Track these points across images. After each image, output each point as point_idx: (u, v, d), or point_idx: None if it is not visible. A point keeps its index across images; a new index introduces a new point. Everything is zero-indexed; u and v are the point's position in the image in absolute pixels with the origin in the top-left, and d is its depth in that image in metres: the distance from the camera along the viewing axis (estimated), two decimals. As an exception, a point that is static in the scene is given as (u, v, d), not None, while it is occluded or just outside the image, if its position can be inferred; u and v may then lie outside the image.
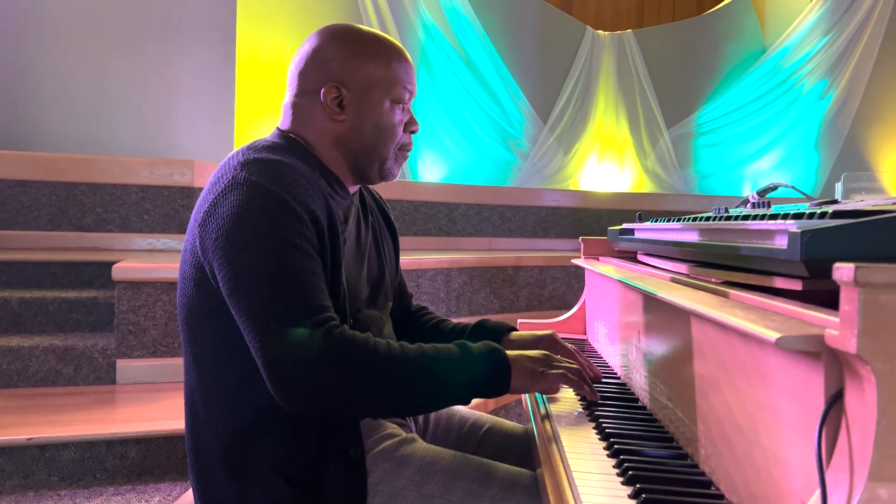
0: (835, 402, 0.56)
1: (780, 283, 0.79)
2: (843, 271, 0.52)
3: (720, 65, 6.52)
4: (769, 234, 0.82)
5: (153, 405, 2.43)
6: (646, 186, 6.24)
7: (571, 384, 1.14)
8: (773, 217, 0.88)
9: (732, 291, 0.85)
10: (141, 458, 2.17)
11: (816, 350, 0.57)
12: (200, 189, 3.77)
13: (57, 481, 2.09)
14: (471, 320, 1.43)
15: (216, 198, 1.04)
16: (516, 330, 1.38)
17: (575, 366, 1.16)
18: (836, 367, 0.57)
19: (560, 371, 1.12)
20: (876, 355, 0.51)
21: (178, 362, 2.70)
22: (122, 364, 2.67)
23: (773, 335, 0.58)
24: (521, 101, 5.78)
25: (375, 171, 1.21)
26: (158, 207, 3.82)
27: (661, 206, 5.71)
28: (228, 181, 1.05)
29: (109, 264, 2.77)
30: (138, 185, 3.78)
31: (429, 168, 5.40)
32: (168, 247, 3.82)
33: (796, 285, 0.76)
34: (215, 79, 4.37)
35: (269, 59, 4.82)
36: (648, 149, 6.27)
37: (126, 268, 2.70)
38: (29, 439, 2.06)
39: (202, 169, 3.91)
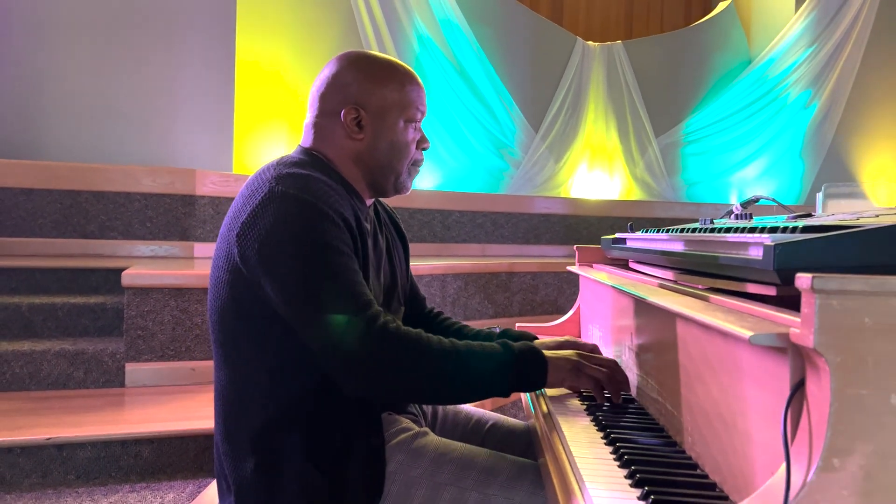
0: (798, 389, 0.67)
1: (755, 289, 0.90)
2: (802, 280, 0.63)
3: (707, 75, 6.67)
4: (746, 245, 0.93)
5: (163, 407, 2.51)
6: (635, 194, 6.36)
7: (598, 389, 1.25)
8: (751, 230, 0.99)
9: (712, 296, 0.96)
10: (154, 456, 2.25)
11: (783, 346, 0.68)
12: (202, 197, 3.90)
13: (74, 479, 2.18)
14: (476, 326, 1.54)
15: (254, 210, 1.13)
16: (538, 339, 1.50)
17: (605, 370, 1.26)
18: (799, 359, 0.68)
19: (591, 374, 1.24)
20: (829, 349, 0.62)
21: (185, 365, 2.80)
22: (130, 368, 2.75)
23: (747, 333, 0.69)
24: (513, 111, 5.90)
25: (391, 185, 1.32)
26: (161, 215, 3.90)
27: (650, 213, 5.83)
28: (265, 194, 1.14)
29: (116, 271, 2.86)
30: (141, 193, 3.87)
31: (423, 176, 5.49)
32: (170, 253, 3.90)
33: (770, 291, 0.87)
34: (215, 89, 4.46)
35: (269, 68, 4.91)
36: (637, 157, 6.39)
37: (135, 274, 2.79)
38: (47, 439, 2.15)
39: (203, 177, 3.99)
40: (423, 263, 3.84)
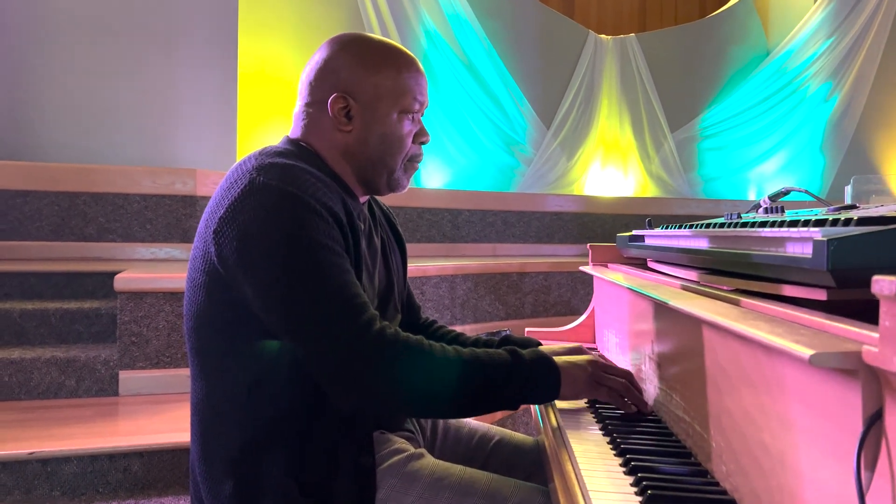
0: (873, 423, 0.53)
1: (800, 292, 0.76)
2: (883, 284, 0.49)
3: (724, 68, 6.52)
4: (785, 241, 0.79)
5: (156, 417, 2.40)
6: (650, 191, 6.24)
7: (619, 401, 1.14)
8: (793, 224, 0.84)
9: (744, 300, 0.83)
10: (144, 471, 2.13)
11: (853, 367, 0.54)
12: (203, 198, 3.79)
13: (59, 496, 2.06)
14: (478, 328, 1.41)
15: (232, 203, 1.02)
16: (541, 344, 1.39)
17: (622, 380, 1.15)
18: (875, 385, 0.53)
19: (611, 385, 1.13)
20: (918, 373, 0.48)
21: (182, 373, 2.68)
22: (124, 375, 2.64)
23: (805, 352, 0.55)
24: (524, 106, 5.79)
25: (384, 182, 1.19)
26: (161, 217, 3.80)
27: (666, 210, 5.70)
28: (245, 186, 1.03)
29: (111, 274, 2.74)
30: (140, 195, 3.77)
31: (432, 174, 5.40)
32: (171, 256, 3.80)
33: (820, 295, 0.73)
34: (217, 88, 4.36)
35: (272, 69, 4.81)
36: (652, 153, 6.26)
37: (128, 278, 2.68)
38: (30, 454, 2.03)
39: (205, 178, 3.89)
40: (432, 264, 3.72)
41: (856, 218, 0.76)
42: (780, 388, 0.67)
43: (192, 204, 3.84)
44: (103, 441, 2.13)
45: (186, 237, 3.83)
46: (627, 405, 1.14)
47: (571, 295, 4.31)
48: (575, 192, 5.93)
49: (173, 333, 2.69)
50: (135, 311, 2.66)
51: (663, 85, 6.31)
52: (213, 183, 3.89)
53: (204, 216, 1.09)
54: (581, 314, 1.88)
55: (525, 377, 1.05)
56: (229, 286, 1.03)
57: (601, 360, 1.26)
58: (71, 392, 2.59)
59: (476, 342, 1.36)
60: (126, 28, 4.12)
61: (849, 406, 0.55)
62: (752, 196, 6.40)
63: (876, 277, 0.50)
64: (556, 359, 1.11)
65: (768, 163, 6.44)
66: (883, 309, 0.50)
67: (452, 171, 5.53)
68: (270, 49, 4.79)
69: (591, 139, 6.11)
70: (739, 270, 0.96)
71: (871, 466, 0.53)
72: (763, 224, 0.95)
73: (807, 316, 0.69)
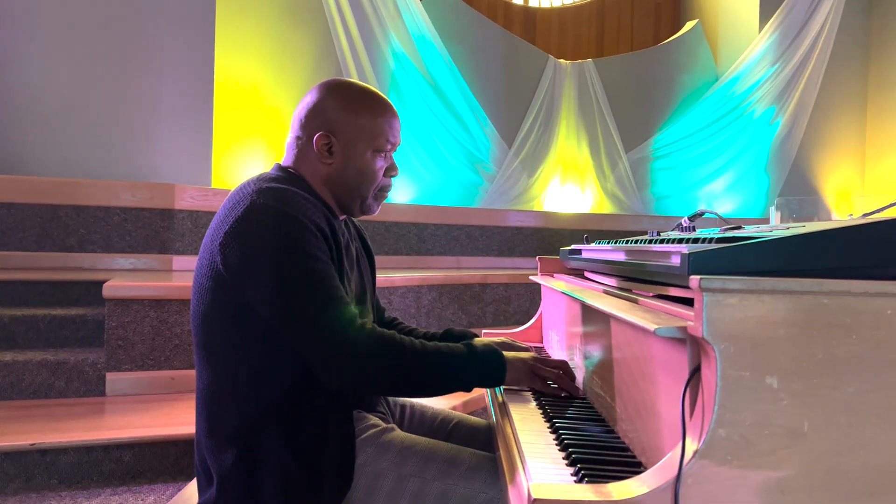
0: (694, 374, 0.80)
1: (677, 292, 1.03)
2: (693, 280, 0.76)
3: (675, 92, 6.87)
4: (668, 255, 1.06)
5: (143, 414, 2.59)
6: (606, 207, 6.52)
7: (551, 389, 1.39)
8: (677, 241, 1.12)
9: (641, 299, 1.09)
10: (135, 461, 2.34)
11: (682, 336, 0.81)
12: (180, 211, 3.98)
13: (57, 483, 2.26)
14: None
15: (237, 220, 1.24)
16: (479, 337, 1.63)
17: (557, 370, 1.40)
18: (696, 348, 0.81)
19: (545, 375, 1.39)
20: (716, 339, 0.75)
21: (164, 375, 2.88)
22: (111, 377, 2.83)
23: (652, 326, 0.82)
24: (487, 126, 6.04)
25: (357, 207, 1.44)
26: (140, 229, 3.98)
27: (620, 226, 5.99)
28: (247, 206, 1.24)
29: (96, 283, 2.93)
30: (120, 208, 3.95)
31: (399, 190, 5.61)
32: (149, 266, 3.98)
33: (690, 294, 1.01)
34: (194, 104, 4.56)
35: (247, 86, 5.00)
36: (608, 171, 6.55)
37: (116, 286, 2.87)
38: (32, 444, 2.22)
39: (182, 192, 4.08)
40: (398, 275, 3.94)
41: (716, 237, 1.04)
42: (651, 357, 0.94)
43: (169, 217, 4.03)
44: (97, 434, 2.33)
45: (164, 249, 4.01)
46: (558, 392, 1.39)
47: (530, 305, 4.56)
48: (535, 209, 6.19)
49: (157, 338, 2.89)
50: (122, 316, 2.85)
51: (618, 108, 6.62)
52: (191, 197, 4.09)
53: (209, 231, 1.31)
54: (532, 320, 2.14)
55: (478, 366, 1.30)
56: (233, 289, 1.25)
57: (540, 355, 1.53)
58: (60, 392, 2.77)
59: (425, 335, 1.63)
60: (106, 45, 4.29)
61: (682, 364, 0.83)
62: (701, 213, 6.72)
63: (691, 277, 0.77)
64: (505, 353, 1.36)
65: (716, 182, 6.79)
66: (694, 296, 0.77)
67: (419, 187, 5.75)
68: (246, 66, 4.98)
69: (550, 158, 6.38)
70: (640, 277, 1.23)
71: (693, 403, 0.80)
72: (658, 241, 1.23)
73: (674, 308, 0.96)
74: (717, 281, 0.76)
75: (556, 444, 1.08)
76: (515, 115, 6.30)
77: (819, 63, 6.75)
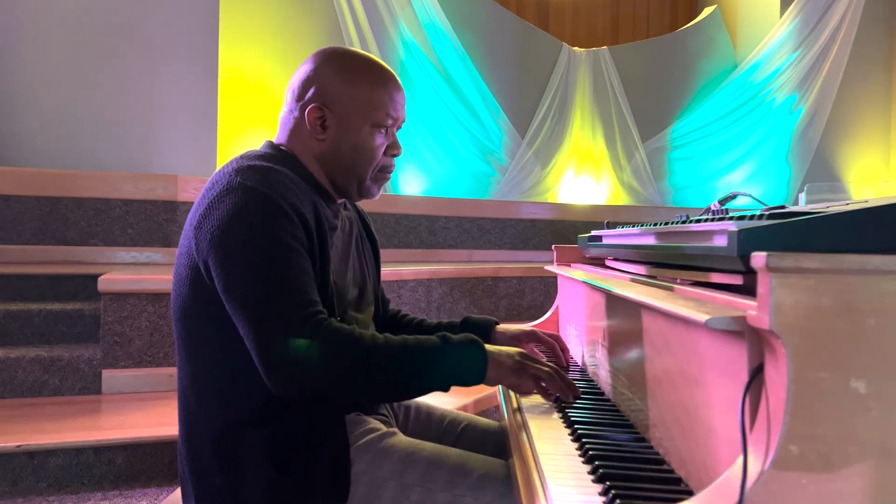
0: (756, 375, 0.64)
1: (721, 278, 0.87)
2: (757, 259, 0.61)
3: (693, 80, 6.69)
4: (711, 234, 0.90)
5: (139, 413, 2.47)
6: (622, 199, 6.37)
7: (542, 390, 1.21)
8: (718, 219, 0.96)
9: (676, 286, 0.93)
10: (128, 464, 2.21)
11: (740, 329, 0.65)
12: (184, 203, 3.86)
13: (45, 487, 2.13)
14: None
15: (211, 201, 1.11)
16: (499, 324, 1.50)
17: (547, 369, 1.21)
18: (758, 344, 0.65)
19: (534, 373, 1.19)
20: (786, 331, 0.60)
21: (163, 372, 2.76)
22: (107, 374, 2.71)
23: (703, 317, 0.66)
24: (500, 116, 5.90)
25: (354, 189, 1.29)
26: (142, 221, 3.86)
27: (636, 218, 5.82)
28: (223, 186, 1.12)
29: (93, 277, 2.81)
30: (122, 200, 3.83)
31: (409, 181, 5.49)
32: (152, 260, 3.86)
33: (737, 280, 0.85)
34: (198, 95, 4.43)
35: (252, 76, 4.89)
36: (624, 162, 6.40)
37: (111, 279, 2.75)
38: (18, 446, 2.10)
39: (185, 184, 3.96)
40: (408, 269, 3.82)
41: (766, 213, 0.88)
42: (695, 354, 0.78)
43: (172, 209, 3.91)
44: (88, 435, 2.21)
45: (167, 242, 3.89)
46: (548, 394, 1.21)
47: (544, 299, 4.43)
48: (549, 200, 6.05)
49: (155, 334, 2.77)
50: (118, 311, 2.73)
51: (635, 96, 6.46)
52: (195, 188, 3.97)
53: (189, 216, 1.18)
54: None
55: (455, 361, 1.12)
56: (209, 279, 1.11)
57: (557, 341, 1.38)
58: (54, 390, 2.65)
59: (437, 326, 1.46)
60: (108, 34, 4.18)
61: (739, 363, 0.67)
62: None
63: (754, 253, 0.62)
64: (488, 346, 1.17)
65: (736, 172, 6.61)
66: (759, 279, 0.61)
67: (430, 179, 5.62)
68: (251, 57, 4.87)
69: (564, 149, 6.23)
70: (676, 262, 1.07)
71: (755, 411, 0.64)
72: (696, 221, 1.07)
73: (720, 295, 0.80)
74: (789, 259, 0.60)
75: (580, 455, 0.93)
76: (529, 105, 6.15)
77: (842, 49, 6.54)
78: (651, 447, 0.96)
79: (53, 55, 4.08)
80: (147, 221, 3.87)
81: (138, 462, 2.22)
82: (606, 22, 7.16)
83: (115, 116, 4.19)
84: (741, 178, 6.61)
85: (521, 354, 1.21)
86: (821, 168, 6.60)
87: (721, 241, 0.86)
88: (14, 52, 4.02)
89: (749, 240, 0.78)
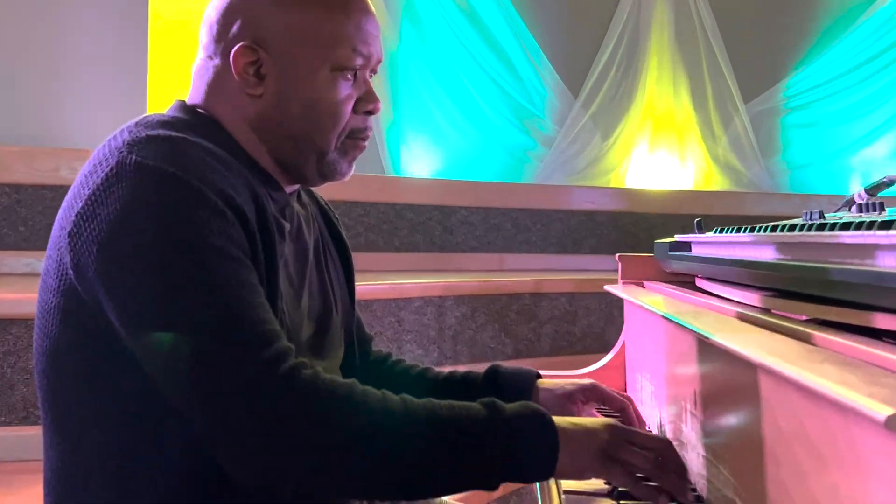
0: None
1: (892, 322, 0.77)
2: None
3: (815, 17, 6.65)
4: (871, 249, 0.83)
5: (22, 493, 2.39)
6: (716, 182, 6.37)
7: (641, 489, 1.09)
8: (888, 225, 0.84)
9: (818, 333, 0.84)
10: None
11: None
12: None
13: None
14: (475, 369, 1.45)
15: (93, 193, 1.03)
16: (540, 377, 1.44)
17: (649, 454, 1.09)
18: None
19: (631, 459, 1.08)
20: None
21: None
22: (-20, 435, 2.66)
23: (882, 410, 0.54)
24: (544, 67, 5.90)
25: (312, 167, 1.22)
26: (40, 214, 3.83)
27: (738, 209, 5.83)
28: (110, 169, 1.04)
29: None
30: (11, 185, 3.80)
31: (416, 158, 5.49)
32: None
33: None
34: (121, 46, 4.43)
35: (196, 21, 4.85)
36: (719, 131, 6.39)
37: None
38: None
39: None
40: (412, 282, 3.83)
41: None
42: (856, 462, 0.66)
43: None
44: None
45: (75, 243, 3.84)
46: (654, 495, 1.09)
47: (606, 324, 4.41)
48: (612, 185, 6.06)
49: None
50: (-3, 345, 2.67)
51: (735, 41, 6.42)
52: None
53: (59, 214, 1.10)
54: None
55: (506, 443, 1.02)
56: (90, 310, 1.05)
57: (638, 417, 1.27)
58: None
59: (448, 379, 1.39)
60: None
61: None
62: (855, 190, 6.48)
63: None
64: (557, 418, 1.07)
65: (877, 144, 6.58)
66: None
67: (445, 155, 5.63)
68: (192, 5, 4.84)
69: (634, 112, 6.23)
70: (815, 291, 0.98)
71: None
72: (847, 226, 0.95)
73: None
74: None
75: None
76: (584, 51, 6.14)
77: None
78: None
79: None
80: (47, 214, 3.82)
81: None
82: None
83: (2, 72, 4.15)
84: (885, 152, 6.58)
85: (609, 430, 1.09)
86: None
87: (893, 262, 0.79)
88: None
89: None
